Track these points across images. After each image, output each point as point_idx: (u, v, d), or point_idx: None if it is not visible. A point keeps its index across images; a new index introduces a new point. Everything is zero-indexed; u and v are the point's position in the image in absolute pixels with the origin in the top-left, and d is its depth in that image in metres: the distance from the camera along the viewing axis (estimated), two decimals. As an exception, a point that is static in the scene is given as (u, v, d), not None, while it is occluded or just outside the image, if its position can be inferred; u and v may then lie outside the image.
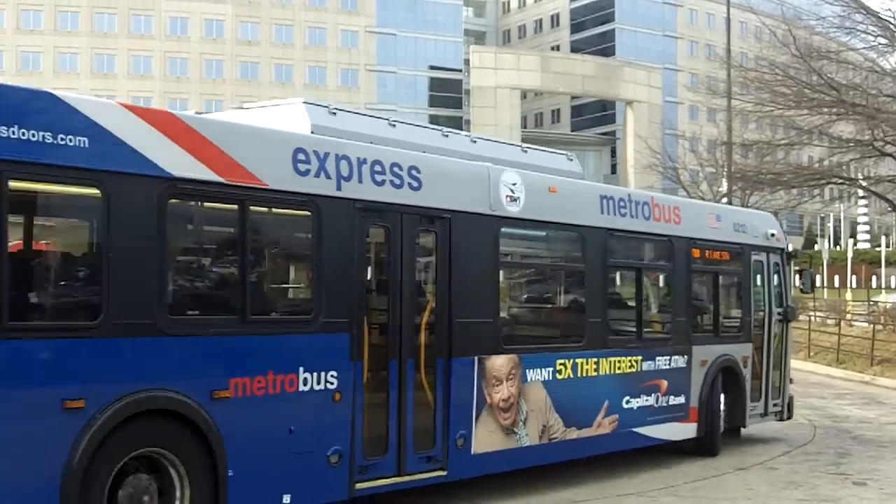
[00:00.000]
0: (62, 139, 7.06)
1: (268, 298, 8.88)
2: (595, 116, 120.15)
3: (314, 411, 8.59)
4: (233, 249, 8.41)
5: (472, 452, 10.08)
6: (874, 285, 64.72)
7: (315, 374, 8.58)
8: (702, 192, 49.24)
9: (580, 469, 12.49)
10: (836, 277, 61.17)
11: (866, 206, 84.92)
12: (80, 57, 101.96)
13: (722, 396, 14.10)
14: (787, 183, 30.13)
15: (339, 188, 8.90)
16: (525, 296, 11.93)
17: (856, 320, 36.06)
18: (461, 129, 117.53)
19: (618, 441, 12.17)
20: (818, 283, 58.03)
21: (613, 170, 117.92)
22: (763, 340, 14.99)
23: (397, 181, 9.45)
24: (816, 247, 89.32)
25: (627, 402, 12.22)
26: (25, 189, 7.02)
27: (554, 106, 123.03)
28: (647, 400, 12.56)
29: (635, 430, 12.42)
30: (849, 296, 49.20)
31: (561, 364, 11.18)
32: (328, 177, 8.82)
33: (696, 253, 13.67)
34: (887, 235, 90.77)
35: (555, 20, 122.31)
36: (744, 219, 15.18)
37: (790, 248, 16.76)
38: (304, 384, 8.51)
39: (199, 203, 8.33)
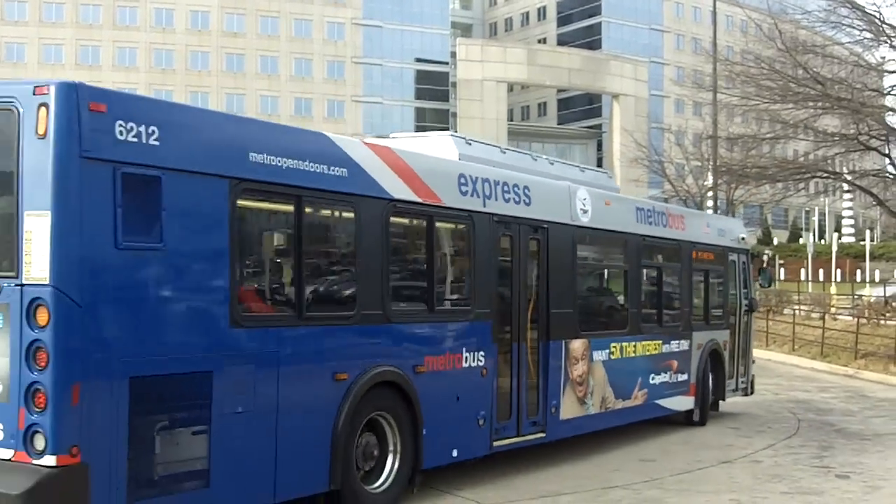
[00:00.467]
0: (333, 170, 8.98)
1: (445, 293, 10.96)
2: (581, 110, 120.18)
3: (471, 384, 10.76)
4: (424, 254, 10.44)
5: (560, 419, 12.35)
6: (858, 279, 64.95)
7: (472, 354, 10.78)
8: (687, 185, 49.29)
9: (564, 463, 12.59)
10: (821, 271, 61.39)
11: (851, 200, 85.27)
12: (65, 48, 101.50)
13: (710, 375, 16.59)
14: (772, 177, 30.18)
15: (484, 205, 11.08)
16: (587, 290, 13.92)
17: (840, 314, 36.19)
18: (447, 122, 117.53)
19: (646, 411, 14.64)
20: (803, 277, 58.30)
21: (599, 163, 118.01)
22: (736, 327, 17.59)
23: (517, 199, 11.72)
24: (801, 240, 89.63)
25: (653, 378, 14.66)
26: (312, 208, 9.00)
27: (540, 99, 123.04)
28: (664, 377, 15.00)
29: (657, 401, 14.85)
30: (833, 289, 49.38)
31: (613, 346, 13.65)
32: (477, 196, 10.99)
33: (695, 254, 16.16)
34: (872, 229, 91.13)
35: (541, 13, 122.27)
36: (723, 224, 18.21)
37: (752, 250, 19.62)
38: (466, 361, 10.70)
39: (405, 218, 10.35)
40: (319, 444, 8.76)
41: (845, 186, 39.62)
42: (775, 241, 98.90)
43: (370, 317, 9.38)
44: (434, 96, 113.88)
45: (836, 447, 14.47)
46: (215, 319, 7.78)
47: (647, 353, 14.54)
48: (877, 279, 63.59)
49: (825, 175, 29.93)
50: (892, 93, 27.70)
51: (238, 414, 7.89)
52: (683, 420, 15.89)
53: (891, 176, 28.40)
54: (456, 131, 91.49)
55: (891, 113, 28.31)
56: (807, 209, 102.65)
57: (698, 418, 16.07)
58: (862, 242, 79.51)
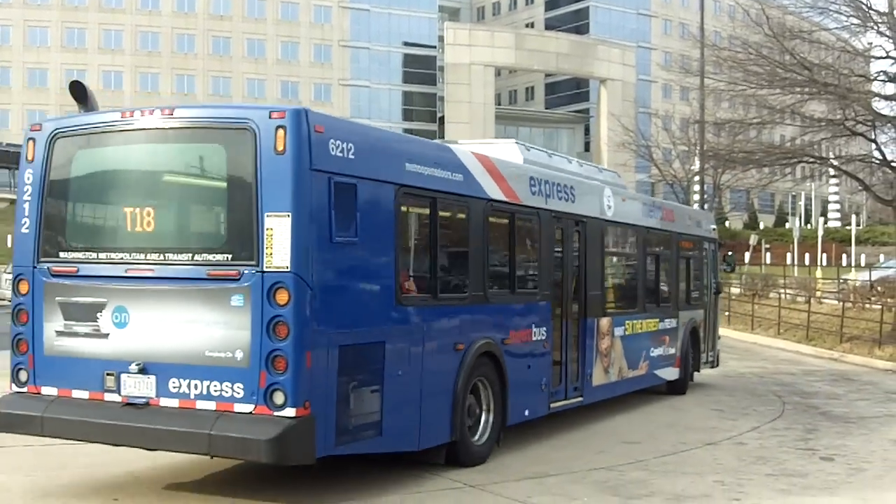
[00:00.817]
0: (454, 176, 10.82)
1: (521, 278, 12.59)
2: (569, 94, 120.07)
3: (537, 354, 12.63)
4: (508, 245, 12.24)
5: (593, 385, 14.36)
6: (844, 263, 65.20)
7: (538, 329, 12.63)
8: (674, 170, 49.41)
9: (548, 445, 12.65)
10: (807, 255, 61.60)
11: (837, 184, 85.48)
12: (51, 30, 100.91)
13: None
14: (758, 161, 30.19)
15: (546, 203, 12.95)
16: (610, 275, 15.50)
17: (826, 298, 36.35)
18: (434, 106, 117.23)
19: (647, 380, 16.72)
20: (789, 261, 58.51)
21: (587, 147, 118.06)
22: (707, 308, 19.79)
23: (566, 197, 13.59)
24: (788, 225, 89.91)
25: (652, 351, 16.71)
26: (442, 208, 10.67)
27: (528, 83, 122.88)
28: (660, 350, 17.05)
29: (655, 371, 16.90)
30: (819, 273, 49.56)
31: (628, 323, 15.68)
32: (542, 195, 12.85)
33: (681, 243, 18.31)
34: (857, 214, 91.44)
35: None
36: (699, 216, 20.46)
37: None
38: (534, 336, 12.55)
39: (497, 215, 11.92)
40: (445, 402, 10.55)
41: (831, 171, 39.69)
42: (762, 226, 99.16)
43: (476, 298, 11.24)
44: (422, 80, 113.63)
45: (821, 429, 14.56)
46: (387, 299, 9.60)
47: (650, 330, 16.65)
48: (862, 263, 63.84)
49: (811, 160, 30.02)
50: (878, 78, 27.79)
51: (399, 376, 9.68)
52: (667, 390, 17.74)
53: (876, 161, 28.46)
54: (443, 115, 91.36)
55: (877, 98, 28.40)
56: (793, 194, 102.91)
57: (680, 387, 18.08)
58: (848, 227, 79.83)
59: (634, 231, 16.25)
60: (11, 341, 9.50)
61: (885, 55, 26.63)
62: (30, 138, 9.52)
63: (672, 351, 17.57)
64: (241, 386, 8.45)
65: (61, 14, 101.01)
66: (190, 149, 9.14)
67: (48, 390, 9.27)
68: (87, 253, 9.22)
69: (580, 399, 14.01)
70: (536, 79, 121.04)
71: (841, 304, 31.22)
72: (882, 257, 62.69)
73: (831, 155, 31.62)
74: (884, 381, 21.22)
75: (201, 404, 8.59)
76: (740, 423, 15.04)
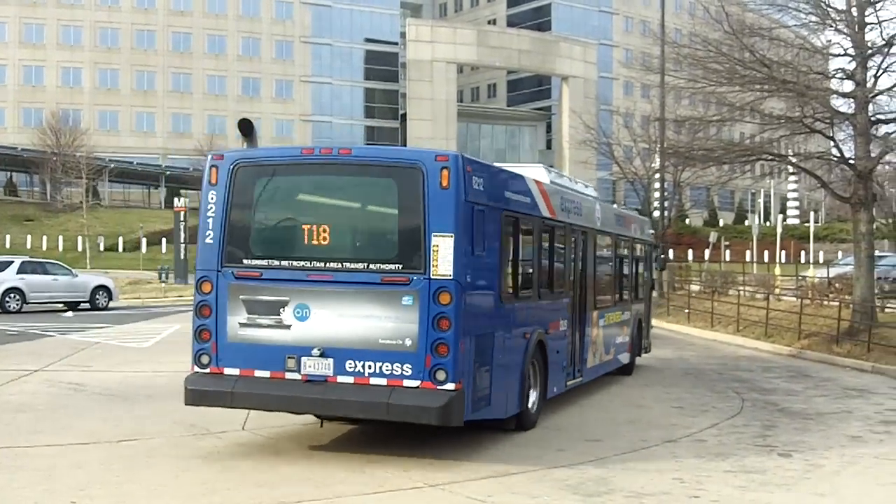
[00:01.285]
0: (525, 199, 13.42)
1: (555, 279, 15.09)
2: (531, 91, 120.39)
3: (562, 341, 15.30)
4: (549, 252, 14.80)
5: (587, 367, 17.04)
6: (803, 260, 65.77)
7: (563, 321, 15.33)
8: (635, 167, 49.50)
9: (510, 444, 12.66)
10: (766, 252, 62.05)
11: (796, 182, 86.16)
12: (9, 26, 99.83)
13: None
14: (718, 159, 30.26)
15: (568, 217, 15.62)
16: (596, 275, 17.86)
17: (784, 295, 36.60)
18: (396, 103, 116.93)
19: (614, 364, 19.47)
20: (748, 258, 58.91)
21: (549, 145, 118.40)
22: (646, 301, 23.01)
23: (577, 212, 16.27)
24: (747, 222, 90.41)
25: (617, 339, 19.49)
26: (519, 225, 13.17)
27: (490, 80, 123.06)
28: (621, 338, 19.88)
29: (618, 356, 19.68)
30: (778, 270, 49.91)
31: (607, 315, 18.49)
32: (566, 212, 15.52)
33: (634, 245, 21.36)
34: (816, 211, 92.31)
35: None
36: (642, 222, 23.27)
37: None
38: (561, 326, 15.23)
39: (544, 229, 14.42)
40: (518, 379, 13.01)
41: (790, 169, 39.87)
42: (721, 223, 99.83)
43: (535, 296, 13.91)
44: (383, 77, 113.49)
45: (780, 426, 14.64)
46: (496, 299, 12.26)
47: (617, 321, 19.45)
48: (821, 260, 64.48)
49: (770, 157, 30.11)
50: (836, 76, 27.90)
51: (498, 359, 12.14)
52: (619, 372, 20.21)
53: (835, 158, 28.62)
54: (406, 112, 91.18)
55: (835, 96, 28.56)
56: (752, 191, 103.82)
57: (629, 370, 20.86)
58: (806, 224, 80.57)
59: (611, 237, 19.17)
60: (194, 331, 11.73)
61: (842, 52, 26.75)
62: (212, 165, 11.82)
63: (626, 339, 20.42)
64: (409, 366, 10.94)
65: (19, 10, 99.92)
66: (366, 181, 11.64)
67: (231, 371, 11.55)
68: (269, 260, 11.64)
69: (581, 378, 16.70)
70: (499, 76, 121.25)
71: (799, 301, 31.45)
72: (840, 254, 63.28)
73: (790, 152, 31.76)
74: (841, 378, 21.37)
75: (374, 381, 11.04)
76: (699, 420, 15.10)
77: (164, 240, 75.15)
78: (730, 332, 31.52)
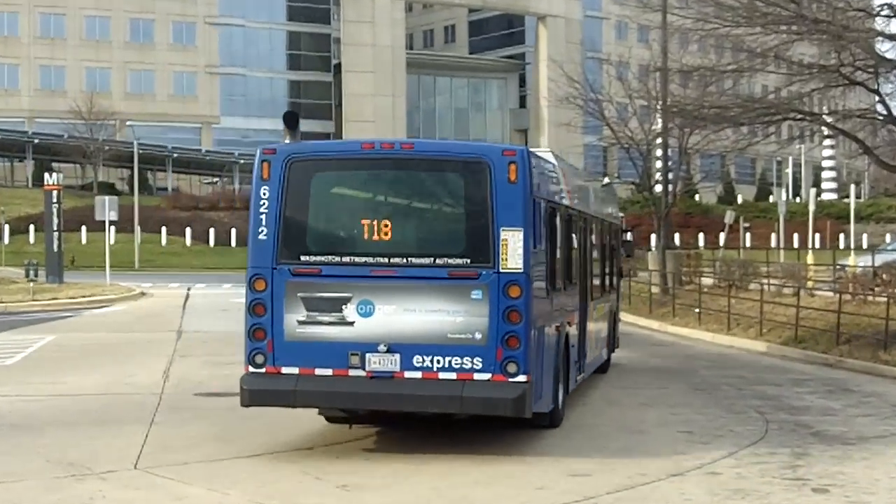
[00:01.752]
0: (556, 186, 16.36)
1: (573, 269, 18.12)
2: (499, 35, 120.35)
3: (576, 334, 18.27)
4: (569, 243, 17.65)
5: (587, 362, 19.79)
6: (841, 245, 66.20)
7: (576, 313, 18.39)
8: (631, 130, 49.51)
9: (472, 483, 12.70)
10: (796, 236, 62.45)
11: (832, 147, 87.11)
12: None
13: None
14: (734, 119, 30.33)
15: (577, 203, 18.48)
16: (591, 263, 20.74)
17: (819, 289, 36.78)
18: (329, 51, 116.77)
19: (599, 360, 22.29)
20: (773, 244, 59.31)
21: (522, 102, 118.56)
22: (618, 291, 26.64)
23: (583, 196, 19.37)
24: (772, 198, 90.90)
25: (602, 333, 22.44)
26: (558, 218, 16.37)
27: (447, 21, 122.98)
28: (604, 332, 22.90)
29: (601, 352, 22.59)
30: (810, 258, 50.27)
31: (598, 307, 21.44)
32: (575, 197, 18.24)
33: (612, 230, 24.38)
34: (858, 184, 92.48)
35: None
36: (611, 195, 26.89)
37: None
38: (576, 319, 18.31)
39: (566, 218, 17.19)
40: (552, 375, 15.58)
41: (825, 130, 40.04)
42: (739, 200, 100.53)
43: (561, 288, 16.59)
44: (311, 17, 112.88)
45: (813, 454, 14.71)
46: (547, 291, 15.18)
47: (602, 314, 22.37)
48: (864, 245, 65.06)
49: (800, 116, 30.25)
50: (882, 13, 28.01)
51: (546, 353, 15.03)
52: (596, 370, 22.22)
53: (880, 117, 28.82)
54: (340, 62, 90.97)
55: (880, 39, 28.73)
56: (778, 159, 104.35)
57: (606, 365, 23.53)
58: (846, 200, 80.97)
59: (597, 221, 21.66)
60: (247, 331, 13.85)
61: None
62: (264, 160, 13.96)
63: (607, 333, 23.36)
64: (479, 360, 13.51)
65: None
66: (430, 176, 14.38)
67: (289, 370, 13.76)
68: (329, 256, 13.94)
69: (584, 374, 19.45)
70: (458, 15, 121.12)
71: (838, 296, 31.59)
72: (889, 237, 63.82)
73: (824, 110, 31.97)
74: (891, 393, 21.51)
75: (443, 375, 13.55)
76: (713, 447, 15.14)
77: (32, 227, 74.51)
78: (751, 335, 31.65)
